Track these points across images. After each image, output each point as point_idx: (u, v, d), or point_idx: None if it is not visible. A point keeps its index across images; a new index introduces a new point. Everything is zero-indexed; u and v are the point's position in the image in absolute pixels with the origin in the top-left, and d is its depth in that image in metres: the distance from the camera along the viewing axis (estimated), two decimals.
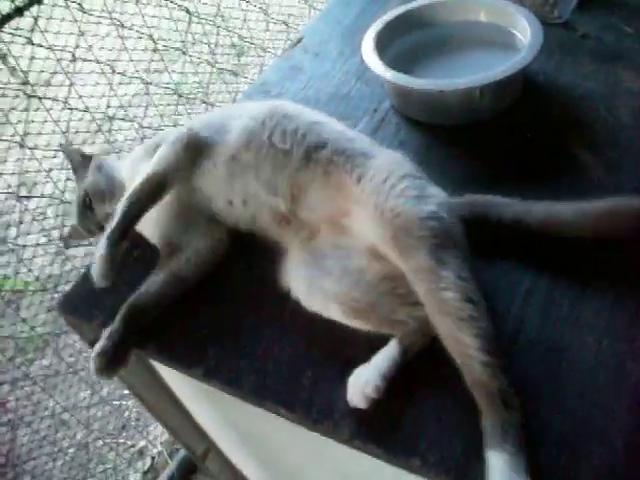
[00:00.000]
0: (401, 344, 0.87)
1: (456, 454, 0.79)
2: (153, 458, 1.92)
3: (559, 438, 0.78)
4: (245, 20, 1.85)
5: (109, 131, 1.52)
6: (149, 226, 1.08)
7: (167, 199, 1.04)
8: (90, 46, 1.42)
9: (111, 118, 1.51)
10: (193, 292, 1.04)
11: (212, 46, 1.75)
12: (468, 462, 0.78)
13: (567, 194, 1.05)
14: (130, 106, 1.59)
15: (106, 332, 0.97)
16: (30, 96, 1.36)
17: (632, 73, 1.29)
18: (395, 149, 1.18)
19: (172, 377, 1.27)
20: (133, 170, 1.09)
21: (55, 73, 1.41)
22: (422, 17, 1.39)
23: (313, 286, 0.94)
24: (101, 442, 1.90)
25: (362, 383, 0.84)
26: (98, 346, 0.95)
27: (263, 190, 0.99)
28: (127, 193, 1.00)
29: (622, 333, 0.88)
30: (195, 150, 1.02)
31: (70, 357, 1.96)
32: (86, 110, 1.46)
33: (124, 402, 2.07)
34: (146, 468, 1.90)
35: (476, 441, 0.77)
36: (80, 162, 1.16)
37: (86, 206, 1.10)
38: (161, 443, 1.94)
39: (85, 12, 1.38)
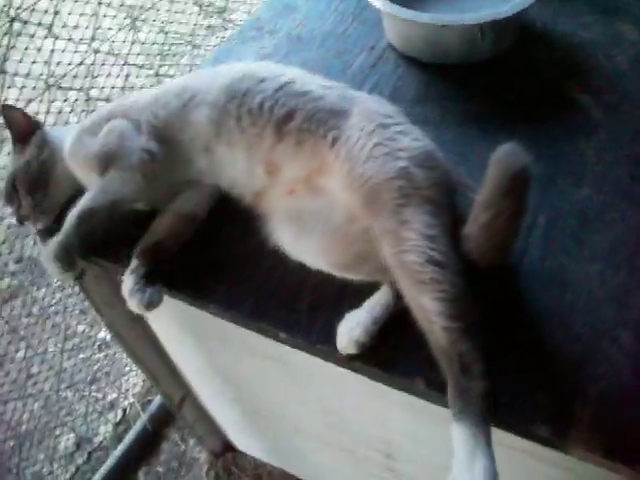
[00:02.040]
0: (393, 289, 0.83)
1: None
2: (125, 410, 1.87)
3: (569, 360, 0.78)
4: None
5: (93, 64, 1.46)
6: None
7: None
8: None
9: (96, 51, 1.45)
10: None
11: None
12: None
13: (566, 134, 1.07)
14: (114, 41, 1.53)
15: (129, 274, 0.92)
16: (13, 19, 1.29)
17: (629, 25, 1.30)
18: (393, 86, 1.19)
19: (158, 317, 1.23)
20: (75, 155, 1.00)
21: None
22: None
23: (297, 245, 0.90)
24: (70, 392, 1.85)
25: (352, 327, 0.81)
26: (129, 285, 0.91)
27: (241, 177, 0.95)
28: (78, 206, 0.92)
29: (625, 263, 0.88)
30: (152, 169, 0.95)
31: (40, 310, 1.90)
32: (70, 39, 1.40)
33: (94, 354, 2.02)
34: (118, 420, 1.85)
35: None
36: (21, 128, 1.05)
37: (14, 190, 1.03)
38: (133, 395, 1.89)
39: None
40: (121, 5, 1.50)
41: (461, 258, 0.79)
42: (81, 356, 1.94)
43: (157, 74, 1.63)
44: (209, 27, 1.78)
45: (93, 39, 1.47)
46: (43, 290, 1.94)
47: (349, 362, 0.83)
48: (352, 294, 0.86)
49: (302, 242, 0.90)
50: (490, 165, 0.79)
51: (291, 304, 0.89)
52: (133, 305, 0.91)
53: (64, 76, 1.46)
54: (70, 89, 1.46)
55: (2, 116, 1.05)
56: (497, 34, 1.19)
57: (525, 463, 0.88)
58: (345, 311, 0.84)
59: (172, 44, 1.66)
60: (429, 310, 0.74)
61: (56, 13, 1.37)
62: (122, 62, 1.53)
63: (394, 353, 0.81)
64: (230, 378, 1.31)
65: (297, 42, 1.34)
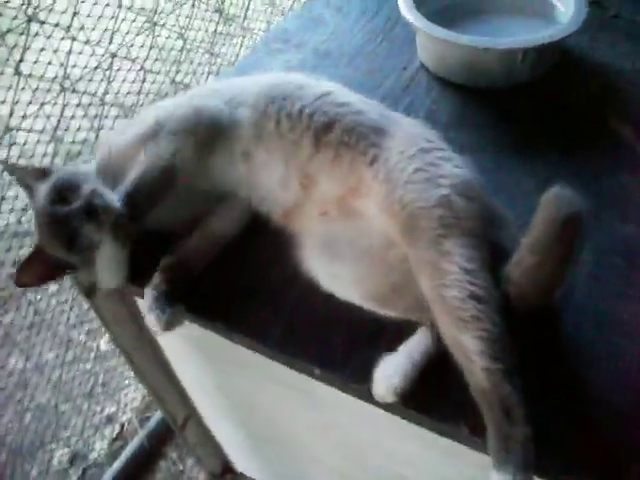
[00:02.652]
0: (433, 331, 0.78)
1: None
2: (122, 425, 1.81)
3: (617, 408, 0.74)
4: None
5: (108, 69, 1.40)
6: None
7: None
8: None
9: (113, 55, 1.39)
10: None
11: None
12: None
13: (607, 166, 1.04)
14: (132, 45, 1.48)
15: (150, 290, 0.87)
16: (30, 19, 1.24)
17: None
18: (427, 109, 1.15)
19: (169, 337, 1.18)
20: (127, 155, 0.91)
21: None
22: None
23: (329, 273, 0.86)
24: (66, 405, 1.78)
25: (390, 374, 0.76)
26: (149, 301, 0.85)
27: (276, 187, 0.90)
28: (127, 182, 0.86)
29: None
30: (203, 134, 0.91)
31: (35, 315, 1.83)
32: (87, 42, 1.35)
33: (91, 367, 1.95)
34: (114, 435, 1.79)
35: None
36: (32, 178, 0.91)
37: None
38: (132, 410, 1.83)
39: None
40: (141, 9, 1.44)
41: (500, 296, 0.75)
42: (79, 367, 1.87)
43: (173, 81, 1.57)
44: (228, 35, 1.73)
45: (111, 42, 1.42)
46: (39, 296, 1.87)
47: (395, 408, 0.77)
48: (390, 331, 0.82)
49: (334, 270, 0.85)
50: (540, 207, 0.76)
51: (325, 337, 0.83)
52: (151, 322, 0.85)
53: (80, 79, 1.41)
54: (85, 93, 1.40)
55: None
56: (537, 59, 1.15)
57: None
58: (383, 349, 0.79)
59: (189, 50, 1.61)
60: (469, 349, 0.70)
61: (75, 14, 1.31)
62: (139, 67, 1.47)
63: (436, 395, 0.76)
64: (243, 402, 1.25)
65: (325, 57, 1.29)
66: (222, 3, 1.67)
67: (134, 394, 1.87)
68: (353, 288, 0.84)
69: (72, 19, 1.30)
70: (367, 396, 0.78)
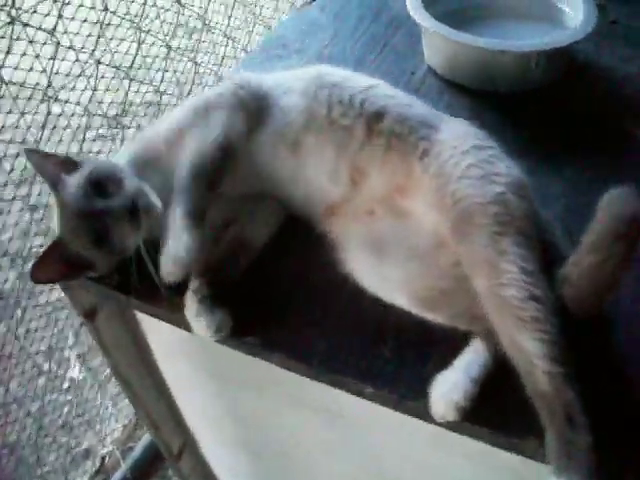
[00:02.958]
0: (488, 343, 0.74)
1: None
2: (103, 458, 1.69)
3: None
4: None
5: (93, 77, 1.32)
6: None
7: None
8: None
9: (98, 62, 1.31)
10: None
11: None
12: None
13: (628, 169, 1.02)
14: (117, 51, 1.40)
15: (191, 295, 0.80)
16: (13, 20, 1.15)
17: None
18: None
19: (173, 359, 1.10)
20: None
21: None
22: None
23: (375, 274, 0.82)
24: (44, 440, 1.65)
25: (449, 390, 0.71)
26: (194, 307, 0.79)
27: (324, 180, 0.86)
28: (183, 168, 0.80)
29: None
30: (252, 108, 0.86)
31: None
32: (71, 47, 1.26)
33: (62, 397, 1.83)
34: (95, 469, 1.66)
35: None
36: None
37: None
38: (112, 442, 1.71)
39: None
40: (126, 14, 1.37)
41: (556, 299, 0.72)
42: (51, 398, 1.74)
43: (157, 90, 1.50)
44: (211, 42, 1.67)
45: (95, 49, 1.34)
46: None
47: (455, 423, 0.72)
48: (440, 341, 0.77)
49: (381, 271, 0.81)
50: (601, 206, 0.74)
51: (372, 350, 0.78)
52: (200, 329, 0.78)
53: (62, 88, 1.32)
54: (67, 102, 1.31)
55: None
56: (550, 63, 1.14)
57: None
58: (435, 361, 0.75)
59: (173, 59, 1.54)
60: (530, 352, 0.67)
61: (60, 17, 1.23)
62: (122, 75, 1.39)
63: (499, 409, 0.72)
64: (253, 428, 1.17)
65: (329, 63, 1.24)
66: (205, 11, 1.61)
67: (115, 425, 1.75)
68: (401, 290, 0.80)
69: (56, 22, 1.22)
70: (424, 414, 0.73)
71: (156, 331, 1.06)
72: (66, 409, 1.79)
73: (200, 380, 1.13)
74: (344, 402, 0.90)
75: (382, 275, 0.81)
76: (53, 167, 0.81)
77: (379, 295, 0.81)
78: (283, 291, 0.85)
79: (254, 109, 0.86)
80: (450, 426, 0.73)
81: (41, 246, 1.11)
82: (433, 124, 0.86)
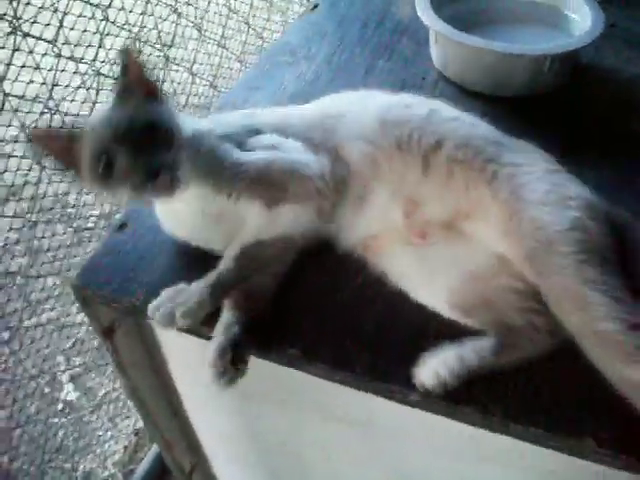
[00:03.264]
0: (499, 341, 0.74)
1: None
2: None
3: None
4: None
5: (90, 87, 1.28)
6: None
7: None
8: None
9: (98, 73, 1.28)
10: None
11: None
12: None
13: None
14: (115, 63, 1.36)
15: (220, 336, 0.77)
16: (15, 29, 1.11)
17: None
18: None
19: (190, 375, 1.07)
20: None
21: (42, 8, 1.17)
22: None
23: (422, 281, 0.81)
24: (32, 467, 1.59)
25: (438, 363, 0.72)
26: (215, 359, 0.75)
27: (375, 220, 0.85)
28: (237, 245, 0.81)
29: None
30: (327, 201, 0.84)
31: None
32: (71, 57, 1.23)
33: (56, 420, 1.77)
34: None
35: None
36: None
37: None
38: (113, 464, 1.66)
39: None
40: (124, 24, 1.33)
41: None
42: (46, 422, 1.67)
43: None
44: (206, 53, 1.65)
45: (95, 59, 1.30)
46: None
47: (503, 425, 0.71)
48: None
49: (431, 286, 0.80)
50: None
51: (413, 357, 0.75)
52: (208, 378, 0.76)
53: (63, 99, 1.28)
54: (66, 114, 1.27)
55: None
56: (561, 67, 1.14)
57: None
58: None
59: (170, 70, 1.51)
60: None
61: (60, 26, 1.19)
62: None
63: (554, 410, 0.71)
64: (273, 444, 1.14)
65: (339, 70, 1.24)
66: (201, 20, 1.59)
67: (115, 446, 1.70)
68: (443, 297, 0.79)
69: (57, 32, 1.18)
70: (481, 420, 0.72)
71: (174, 346, 1.03)
72: (61, 432, 1.73)
73: (219, 396, 1.09)
74: (375, 412, 0.89)
75: (430, 281, 0.80)
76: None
77: (420, 297, 0.81)
78: (317, 304, 0.83)
79: (329, 195, 0.83)
80: (507, 429, 0.72)
81: None
82: (500, 144, 0.83)
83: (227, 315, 0.78)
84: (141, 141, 0.74)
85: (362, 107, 0.89)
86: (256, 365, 0.81)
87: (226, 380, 0.75)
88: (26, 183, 1.29)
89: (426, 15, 1.18)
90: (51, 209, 1.44)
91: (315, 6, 1.46)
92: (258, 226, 0.81)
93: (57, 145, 0.78)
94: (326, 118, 0.88)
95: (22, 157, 1.22)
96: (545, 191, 0.76)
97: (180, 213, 0.84)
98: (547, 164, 0.82)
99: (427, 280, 0.80)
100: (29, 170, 1.24)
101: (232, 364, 0.75)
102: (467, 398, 0.73)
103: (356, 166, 0.84)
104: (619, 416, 0.67)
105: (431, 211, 0.82)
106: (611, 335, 0.65)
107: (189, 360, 1.03)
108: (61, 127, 0.85)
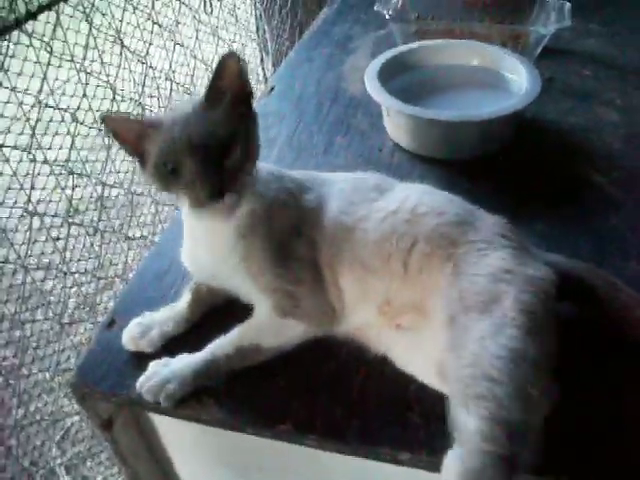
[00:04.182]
0: None
1: None
2: None
3: None
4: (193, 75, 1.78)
5: (70, 187, 1.35)
6: None
7: None
8: (52, 91, 1.26)
9: (71, 173, 1.34)
10: None
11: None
12: None
13: (595, 212, 1.12)
14: (87, 161, 1.43)
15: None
16: None
17: (605, 107, 1.41)
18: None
19: (188, 457, 1.10)
20: None
21: (16, 119, 1.23)
22: (413, 60, 1.42)
23: (411, 352, 0.85)
24: None
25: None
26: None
27: (357, 319, 0.89)
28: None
29: None
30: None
31: None
32: (46, 162, 1.28)
33: None
34: None
35: None
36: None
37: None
38: None
39: (51, 53, 1.23)
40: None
41: None
42: None
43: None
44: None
45: (67, 160, 1.36)
46: None
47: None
48: None
49: (418, 350, 0.84)
50: None
51: (402, 419, 0.81)
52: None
53: (39, 202, 1.34)
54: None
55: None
56: (506, 127, 1.24)
57: None
58: None
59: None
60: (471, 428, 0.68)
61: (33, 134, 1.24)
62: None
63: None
64: None
65: (300, 150, 1.32)
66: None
67: None
68: (433, 365, 0.82)
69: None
70: None
71: (171, 433, 1.06)
72: None
73: (218, 474, 1.12)
74: (368, 472, 0.93)
75: (419, 351, 0.84)
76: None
77: (408, 368, 0.85)
78: (306, 378, 0.88)
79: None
80: None
81: None
82: (470, 222, 0.88)
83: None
84: (214, 155, 0.78)
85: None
86: (252, 440, 0.86)
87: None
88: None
89: (375, 91, 1.27)
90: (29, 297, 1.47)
91: (272, 89, 1.55)
92: (261, 329, 0.87)
93: (128, 131, 0.82)
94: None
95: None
96: (489, 324, 0.76)
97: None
98: (504, 242, 0.86)
99: (413, 357, 0.84)
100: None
101: None
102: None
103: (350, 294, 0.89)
104: None
105: (403, 303, 0.86)
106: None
107: (186, 444, 1.06)
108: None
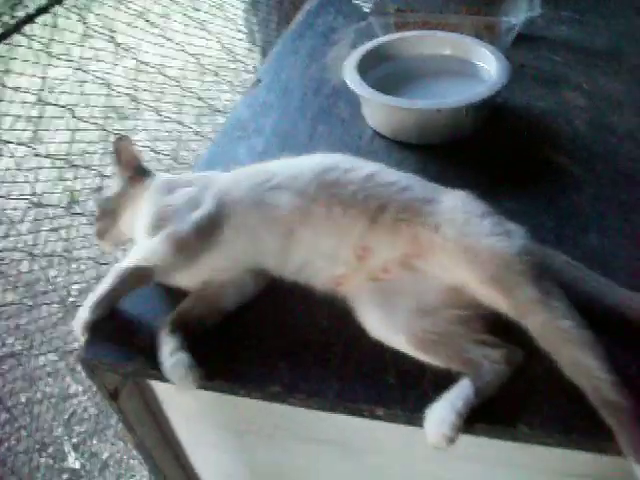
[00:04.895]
0: (474, 385, 0.85)
1: None
2: None
3: None
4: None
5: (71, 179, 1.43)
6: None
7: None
8: (51, 89, 1.35)
9: (73, 165, 1.43)
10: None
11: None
12: None
13: (559, 192, 1.20)
14: (87, 153, 1.52)
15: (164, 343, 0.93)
16: None
17: (573, 92, 1.49)
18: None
19: (188, 422, 1.20)
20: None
21: (19, 116, 1.32)
22: (390, 51, 1.51)
23: (380, 317, 0.92)
24: None
25: (439, 422, 0.82)
26: (169, 359, 0.91)
27: (320, 259, 0.96)
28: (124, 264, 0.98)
29: None
30: (195, 249, 0.98)
31: None
32: (48, 156, 1.37)
33: None
34: None
35: None
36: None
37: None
38: None
39: (50, 54, 1.32)
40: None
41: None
42: None
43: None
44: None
45: (68, 154, 1.44)
46: None
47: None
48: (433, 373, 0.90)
49: (388, 321, 0.91)
50: None
51: (379, 380, 0.90)
52: (177, 380, 0.90)
53: (42, 194, 1.42)
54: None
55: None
56: (478, 113, 1.33)
57: None
58: (430, 377, 0.89)
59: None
60: (596, 369, 0.79)
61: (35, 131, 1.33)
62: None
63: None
64: (268, 474, 1.27)
65: (286, 138, 1.40)
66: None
67: None
68: (402, 332, 0.90)
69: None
70: None
71: (172, 401, 1.15)
72: None
73: (216, 438, 1.22)
74: (349, 430, 1.02)
75: (387, 317, 0.91)
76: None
77: (383, 340, 0.92)
78: (291, 343, 0.97)
79: (195, 242, 0.97)
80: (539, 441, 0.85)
81: None
82: (434, 199, 0.96)
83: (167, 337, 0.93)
84: None
85: (296, 167, 1.03)
86: (244, 404, 0.96)
87: (192, 376, 0.89)
88: None
89: (353, 81, 1.35)
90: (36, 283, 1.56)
91: (259, 81, 1.64)
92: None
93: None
94: (260, 174, 1.03)
95: None
96: (490, 224, 0.92)
97: None
98: (482, 208, 0.96)
99: (387, 318, 0.92)
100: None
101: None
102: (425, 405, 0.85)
103: (277, 210, 0.97)
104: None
105: (384, 254, 0.94)
106: (571, 330, 0.81)
107: (186, 410, 1.15)
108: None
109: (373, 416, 0.89)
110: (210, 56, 2.03)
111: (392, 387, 0.89)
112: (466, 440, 0.83)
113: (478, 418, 0.83)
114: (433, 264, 0.93)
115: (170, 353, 0.91)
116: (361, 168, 1.01)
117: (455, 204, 0.96)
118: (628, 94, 1.47)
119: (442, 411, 0.83)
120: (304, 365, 0.94)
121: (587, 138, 1.34)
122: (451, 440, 0.81)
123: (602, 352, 0.80)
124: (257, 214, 0.98)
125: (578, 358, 0.80)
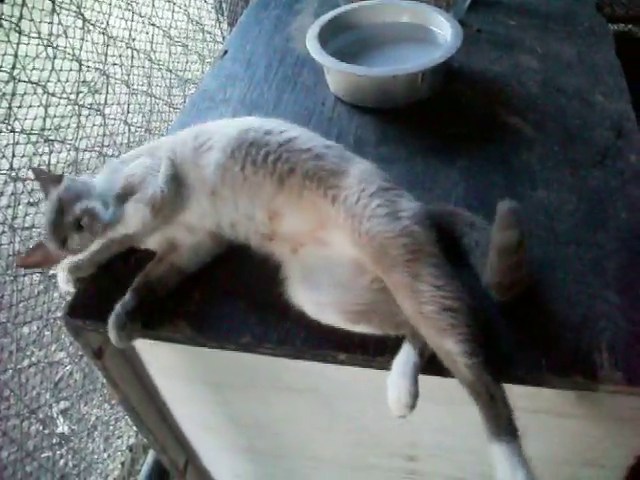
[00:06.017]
0: (415, 346, 0.90)
1: None
2: None
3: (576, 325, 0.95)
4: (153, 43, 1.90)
5: (47, 153, 1.48)
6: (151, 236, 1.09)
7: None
8: (23, 67, 1.39)
9: (47, 140, 1.47)
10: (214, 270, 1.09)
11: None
12: None
13: (511, 150, 1.28)
14: (61, 127, 1.56)
15: (117, 306, 1.00)
16: None
17: (527, 55, 1.56)
18: (355, 134, 1.34)
19: (169, 377, 1.27)
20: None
21: None
22: (351, 19, 1.57)
23: (308, 300, 0.98)
24: None
25: (397, 397, 0.87)
26: (112, 322, 0.99)
27: (243, 218, 1.02)
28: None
29: (590, 240, 1.07)
30: (168, 209, 1.03)
31: None
32: (23, 132, 1.41)
33: (57, 451, 1.93)
34: None
35: None
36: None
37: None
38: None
39: (20, 33, 1.35)
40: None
41: (466, 291, 0.90)
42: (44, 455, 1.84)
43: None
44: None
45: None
46: None
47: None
48: None
49: (315, 298, 0.97)
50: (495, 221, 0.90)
51: (340, 329, 0.97)
52: (112, 339, 0.99)
53: (20, 169, 1.46)
54: None
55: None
56: (434, 77, 1.39)
57: (547, 423, 1.03)
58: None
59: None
60: (453, 352, 0.84)
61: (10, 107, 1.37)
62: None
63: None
64: (250, 425, 1.35)
65: (253, 108, 1.46)
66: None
67: (113, 464, 1.88)
68: (332, 310, 0.95)
69: None
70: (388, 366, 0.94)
71: (151, 355, 1.22)
72: (62, 462, 1.90)
73: (195, 391, 1.29)
74: (317, 378, 1.11)
75: (314, 300, 0.97)
76: (49, 183, 1.02)
77: (314, 317, 0.97)
78: (260, 298, 1.04)
79: (169, 209, 1.04)
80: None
81: None
82: (342, 170, 1.00)
83: (128, 294, 1.02)
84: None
85: (226, 127, 1.08)
86: (219, 357, 1.05)
87: (123, 336, 0.99)
88: None
89: (315, 50, 1.42)
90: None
91: (225, 52, 1.68)
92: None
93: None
94: (200, 134, 1.09)
95: None
96: (376, 205, 0.94)
97: None
98: (382, 182, 0.99)
99: (314, 296, 0.97)
100: None
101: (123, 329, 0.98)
102: (383, 353, 0.94)
103: (207, 169, 1.03)
104: None
105: (291, 221, 1.00)
106: (431, 315, 0.85)
107: (165, 362, 1.22)
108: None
109: (336, 361, 0.97)
110: (178, 28, 2.06)
111: (352, 334, 0.97)
112: (430, 382, 0.90)
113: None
114: (334, 237, 0.99)
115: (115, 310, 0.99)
116: (283, 132, 1.05)
117: (355, 179, 0.99)
118: (578, 56, 1.54)
119: (397, 383, 0.88)
120: (272, 318, 1.02)
121: (539, 99, 1.42)
122: (412, 406, 0.87)
123: (466, 335, 0.84)
124: (193, 174, 1.05)
125: (439, 342, 0.85)
